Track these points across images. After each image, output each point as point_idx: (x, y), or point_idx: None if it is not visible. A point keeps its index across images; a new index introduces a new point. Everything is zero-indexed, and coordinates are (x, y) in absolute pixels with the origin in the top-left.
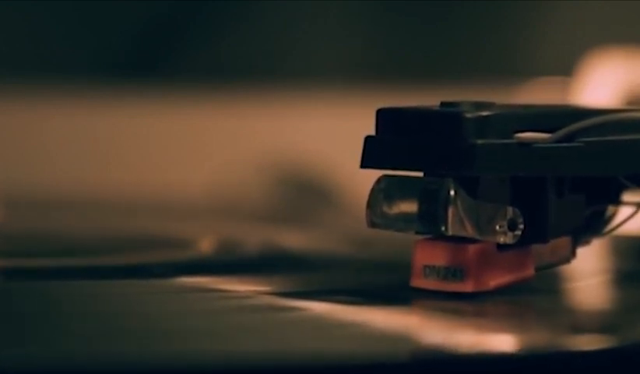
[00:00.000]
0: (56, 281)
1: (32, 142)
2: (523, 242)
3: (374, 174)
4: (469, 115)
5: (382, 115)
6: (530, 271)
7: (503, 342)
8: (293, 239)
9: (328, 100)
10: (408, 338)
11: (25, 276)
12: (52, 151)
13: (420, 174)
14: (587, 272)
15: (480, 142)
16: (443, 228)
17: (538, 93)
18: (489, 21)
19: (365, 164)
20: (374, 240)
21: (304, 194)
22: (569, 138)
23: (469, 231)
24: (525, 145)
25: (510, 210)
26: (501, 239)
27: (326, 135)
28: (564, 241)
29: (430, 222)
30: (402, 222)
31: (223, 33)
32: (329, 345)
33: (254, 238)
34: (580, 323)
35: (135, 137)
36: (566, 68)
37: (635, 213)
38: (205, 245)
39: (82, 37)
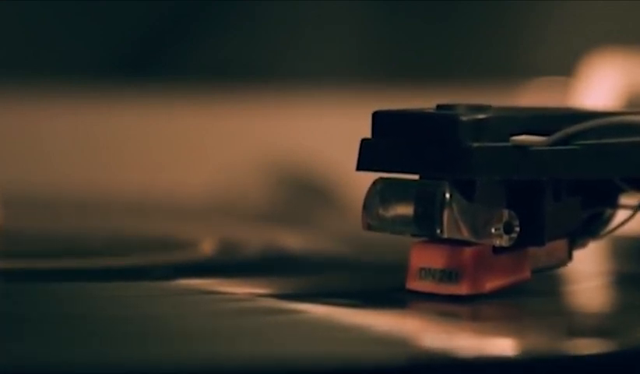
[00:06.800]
0: (55, 283)
1: (32, 142)
2: (519, 245)
3: (374, 176)
4: (464, 118)
5: (378, 118)
6: (526, 274)
7: (499, 345)
8: (293, 240)
9: (328, 101)
10: (405, 342)
11: (24, 277)
12: (52, 151)
13: (416, 176)
14: (584, 274)
15: (475, 145)
16: (438, 231)
17: (538, 94)
18: (489, 21)
19: (361, 166)
20: (372, 241)
21: (303, 195)
22: (565, 141)
23: (465, 234)
24: (521, 148)
25: (506, 213)
26: (497, 242)
27: (326, 135)
28: (561, 243)
29: (425, 225)
30: (398, 225)
31: (223, 33)
32: (328, 348)
33: (253, 239)
34: (577, 326)
35: (135, 137)
36: (566, 68)
37: (632, 215)
38: (205, 247)
39: (82, 37)
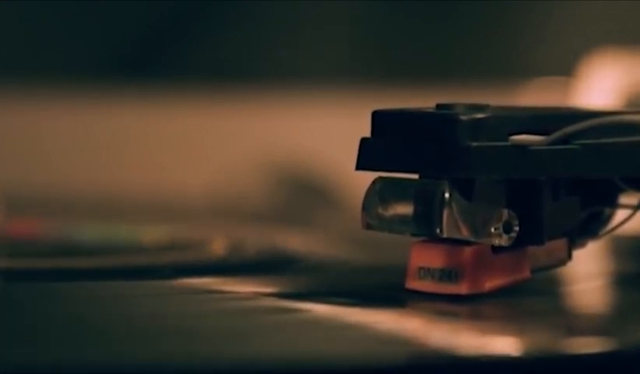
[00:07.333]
0: (55, 283)
1: (32, 142)
2: (519, 244)
3: (373, 175)
4: (463, 118)
5: (378, 117)
6: (526, 273)
7: (499, 345)
8: (293, 240)
9: (328, 101)
10: (405, 341)
11: (24, 277)
12: (52, 151)
13: (416, 176)
14: (583, 274)
15: (474, 144)
16: (438, 230)
17: (538, 94)
18: (489, 21)
19: (360, 166)
20: (372, 241)
21: (303, 194)
22: (564, 140)
23: (465, 233)
24: (520, 147)
25: (505, 213)
26: (496, 241)
27: (326, 135)
28: (560, 243)
29: (425, 224)
30: (398, 224)
31: (223, 33)
32: (328, 348)
33: (253, 239)
34: (577, 326)
35: (135, 137)
36: (566, 68)
37: (631, 215)
38: (205, 246)
39: (81, 37)
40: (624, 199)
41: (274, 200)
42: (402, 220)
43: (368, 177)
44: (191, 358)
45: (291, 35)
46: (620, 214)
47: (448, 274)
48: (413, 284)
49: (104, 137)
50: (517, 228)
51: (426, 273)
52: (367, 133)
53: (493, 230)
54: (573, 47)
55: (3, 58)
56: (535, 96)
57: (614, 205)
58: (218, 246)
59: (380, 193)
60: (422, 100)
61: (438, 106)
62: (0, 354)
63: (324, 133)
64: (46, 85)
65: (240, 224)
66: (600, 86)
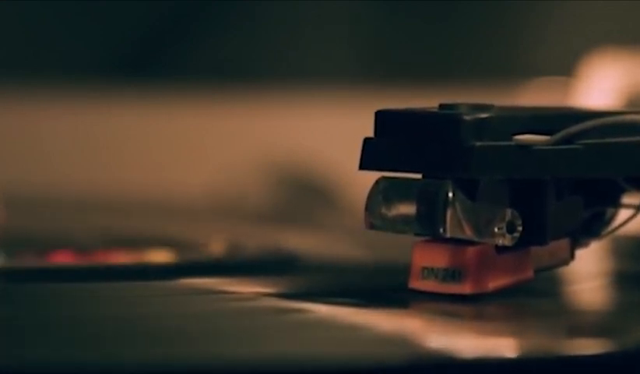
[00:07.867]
0: (56, 283)
1: (32, 142)
2: (522, 244)
3: (375, 175)
4: (467, 117)
5: (381, 117)
6: (529, 273)
7: (502, 345)
8: (294, 240)
9: (329, 101)
10: (408, 341)
11: (24, 277)
12: (52, 151)
13: (419, 176)
14: (586, 274)
15: (478, 144)
16: (441, 230)
17: (538, 94)
18: (489, 21)
19: (364, 165)
20: (374, 241)
21: (304, 195)
22: (568, 140)
23: (468, 233)
24: (524, 147)
25: (508, 212)
26: (500, 241)
27: (327, 135)
28: (563, 243)
29: (428, 224)
30: (401, 224)
31: (224, 33)
32: (330, 348)
33: (254, 239)
34: (579, 326)
35: (135, 137)
36: (566, 68)
37: (634, 215)
38: (205, 247)
39: (81, 37)
40: (627, 199)
41: (274, 200)
42: (405, 219)
43: (369, 176)
44: (191, 359)
45: (291, 35)
46: (623, 214)
47: (452, 274)
48: (417, 283)
49: (104, 137)
50: (520, 228)
51: (429, 272)
52: (368, 133)
53: (496, 230)
54: (573, 47)
55: (3, 58)
56: (535, 96)
57: (617, 205)
58: (218, 246)
59: (383, 193)
60: (422, 100)
61: (441, 106)
62: (0, 354)
63: (324, 133)
64: (46, 85)
65: (240, 224)
66: (600, 86)
